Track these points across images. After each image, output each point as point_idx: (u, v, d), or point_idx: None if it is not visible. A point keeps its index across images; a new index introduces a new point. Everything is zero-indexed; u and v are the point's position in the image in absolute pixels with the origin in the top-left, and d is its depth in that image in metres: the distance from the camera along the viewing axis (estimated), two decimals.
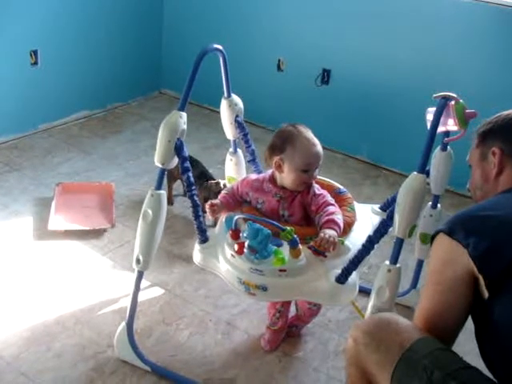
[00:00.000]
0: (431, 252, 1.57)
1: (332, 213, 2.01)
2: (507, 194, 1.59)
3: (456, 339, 1.54)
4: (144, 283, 2.33)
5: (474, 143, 1.74)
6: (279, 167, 2.08)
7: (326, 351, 2.41)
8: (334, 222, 1.98)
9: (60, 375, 2.19)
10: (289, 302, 2.34)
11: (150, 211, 2.06)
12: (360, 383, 1.58)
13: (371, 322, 1.60)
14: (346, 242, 2.01)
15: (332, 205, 2.06)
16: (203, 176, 3.09)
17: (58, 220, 3.07)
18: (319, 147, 2.09)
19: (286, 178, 2.08)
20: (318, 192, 2.09)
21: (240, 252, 1.93)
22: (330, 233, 1.92)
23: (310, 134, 2.10)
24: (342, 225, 2.00)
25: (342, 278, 1.91)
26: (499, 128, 1.66)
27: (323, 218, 2.00)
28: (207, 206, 2.10)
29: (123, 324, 2.24)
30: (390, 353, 1.47)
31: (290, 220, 2.09)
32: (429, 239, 2.34)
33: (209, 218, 2.16)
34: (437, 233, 1.54)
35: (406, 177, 1.82)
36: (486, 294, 1.44)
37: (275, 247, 1.91)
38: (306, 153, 2.06)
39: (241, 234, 1.95)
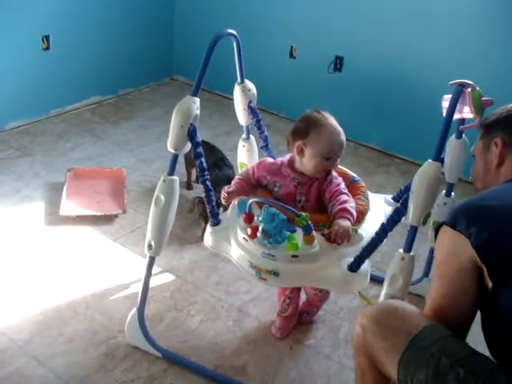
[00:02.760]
0: (436, 244, 1.57)
1: (344, 201, 2.00)
2: (508, 184, 1.59)
3: (468, 332, 1.53)
4: (155, 269, 2.32)
5: (479, 134, 1.75)
6: (301, 152, 2.07)
7: (337, 339, 2.40)
8: (346, 210, 1.97)
9: (71, 360, 2.20)
10: (298, 289, 2.34)
11: (162, 196, 2.06)
12: (369, 371, 1.58)
13: (379, 309, 1.59)
14: (360, 231, 2.00)
15: (345, 193, 2.06)
16: (221, 162, 3.08)
17: (70, 205, 3.07)
18: (343, 136, 2.07)
19: (307, 163, 2.07)
20: (334, 180, 2.09)
21: (253, 236, 1.92)
22: (343, 225, 1.91)
23: (335, 122, 2.09)
24: (354, 213, 1.99)
25: (355, 266, 1.90)
26: (503, 120, 1.68)
27: (336, 207, 1.99)
28: (223, 194, 2.09)
29: (134, 310, 2.24)
30: (397, 340, 1.47)
31: (305, 206, 2.08)
32: None
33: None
34: (440, 225, 1.54)
35: (419, 165, 1.80)
36: (490, 284, 1.44)
37: (289, 233, 1.91)
38: (329, 139, 2.04)
39: (255, 218, 1.95)
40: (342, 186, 2.09)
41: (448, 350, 1.41)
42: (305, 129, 2.07)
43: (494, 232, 1.43)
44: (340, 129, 2.07)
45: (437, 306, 1.52)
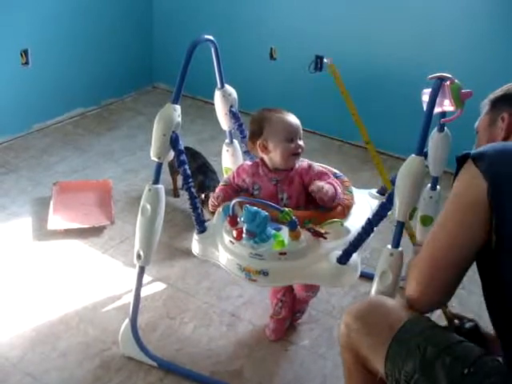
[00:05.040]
0: (458, 177, 1.51)
1: (325, 177, 2.09)
2: None
3: (455, 290, 1.50)
4: (146, 278, 2.32)
5: (484, 110, 1.74)
6: (265, 148, 2.11)
7: (332, 338, 2.40)
8: (326, 175, 2.08)
9: (66, 374, 2.19)
10: (291, 291, 2.34)
11: (148, 206, 2.05)
12: (355, 368, 1.60)
13: (361, 307, 1.62)
14: (346, 224, 2.00)
15: (325, 174, 2.12)
16: (204, 167, 3.08)
17: (57, 219, 3.06)
18: (294, 117, 2.15)
19: (275, 156, 2.10)
20: (314, 167, 2.14)
21: (239, 237, 1.93)
22: (322, 184, 2.01)
23: (281, 110, 2.16)
24: (337, 186, 2.06)
25: (343, 259, 1.91)
26: (510, 95, 1.68)
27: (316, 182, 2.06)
28: (211, 202, 2.12)
29: (127, 320, 2.23)
30: (381, 335, 1.49)
31: (288, 203, 2.09)
32: (429, 221, 2.36)
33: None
34: (464, 158, 1.49)
35: (404, 160, 1.80)
36: (494, 238, 1.40)
37: (274, 231, 1.91)
38: (284, 123, 2.11)
39: (238, 219, 1.96)
40: (324, 171, 2.14)
41: (433, 340, 1.43)
42: (258, 127, 2.13)
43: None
44: (287, 112, 2.15)
45: (436, 249, 1.48)
